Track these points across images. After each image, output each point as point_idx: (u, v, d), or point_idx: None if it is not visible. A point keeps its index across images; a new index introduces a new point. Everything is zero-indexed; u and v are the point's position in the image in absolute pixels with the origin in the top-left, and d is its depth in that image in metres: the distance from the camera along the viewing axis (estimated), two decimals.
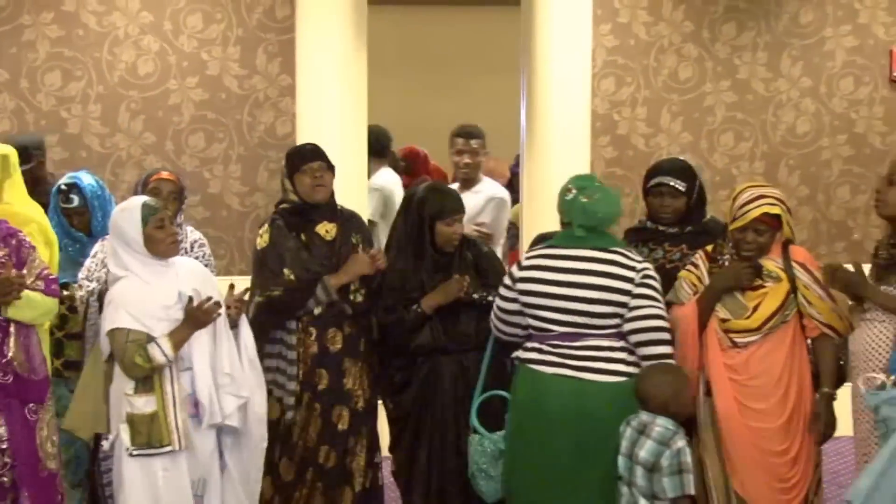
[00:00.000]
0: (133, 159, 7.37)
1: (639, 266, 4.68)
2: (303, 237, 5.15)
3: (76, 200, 5.57)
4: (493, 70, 12.26)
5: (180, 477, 4.70)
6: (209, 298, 4.62)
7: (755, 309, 4.75)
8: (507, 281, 4.79)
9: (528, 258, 4.83)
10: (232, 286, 4.86)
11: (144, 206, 4.71)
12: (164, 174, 5.61)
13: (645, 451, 4.42)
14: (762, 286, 4.78)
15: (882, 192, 4.74)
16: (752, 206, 4.74)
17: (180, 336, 4.59)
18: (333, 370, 5.14)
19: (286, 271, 5.06)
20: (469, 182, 7.54)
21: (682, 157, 5.95)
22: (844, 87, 8.19)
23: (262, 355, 4.99)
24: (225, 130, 7.48)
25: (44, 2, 7.30)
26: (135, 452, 4.60)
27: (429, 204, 5.22)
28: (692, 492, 4.44)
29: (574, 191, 4.72)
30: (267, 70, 7.50)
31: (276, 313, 5.08)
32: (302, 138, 7.03)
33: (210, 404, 4.72)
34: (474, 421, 4.91)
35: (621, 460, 4.51)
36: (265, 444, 4.93)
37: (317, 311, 5.09)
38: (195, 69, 7.41)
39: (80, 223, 5.56)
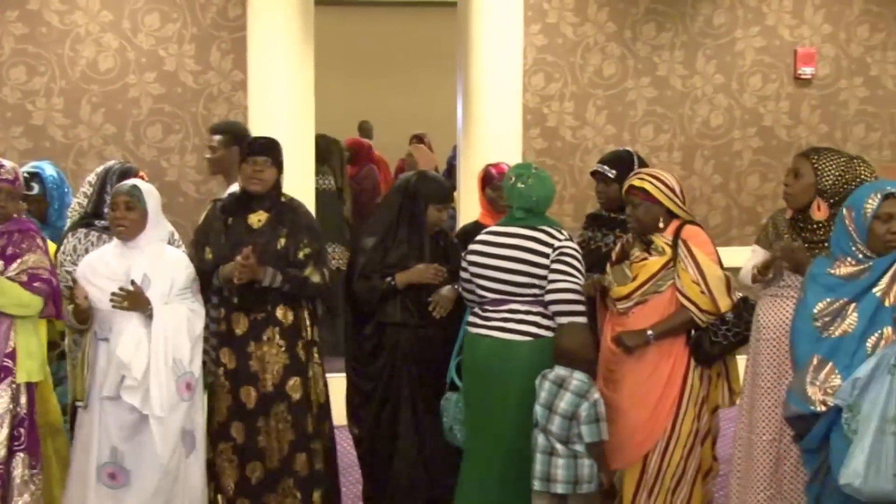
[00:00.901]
0: (94, 149, 7.35)
1: (557, 244, 4.85)
2: (230, 221, 5.09)
3: (36, 189, 5.53)
4: (432, 67, 12.29)
5: (91, 434, 4.74)
6: (144, 297, 4.64)
7: (635, 278, 4.82)
8: (463, 256, 5.04)
9: (476, 237, 5.05)
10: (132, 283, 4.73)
11: (113, 190, 4.88)
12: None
13: (565, 402, 4.62)
14: (646, 259, 4.84)
15: (790, 186, 4.76)
16: (626, 183, 4.89)
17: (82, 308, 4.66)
18: (238, 352, 5.04)
19: (207, 250, 5.04)
20: None
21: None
22: (753, 83, 8.34)
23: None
24: (181, 122, 7.49)
25: (9, 1, 7.27)
26: (77, 404, 4.76)
27: (424, 190, 5.26)
28: (606, 437, 4.65)
29: (513, 178, 4.95)
30: (220, 66, 7.50)
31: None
32: (253, 130, 6.93)
33: (121, 378, 4.69)
34: (453, 376, 5.05)
35: (539, 410, 4.69)
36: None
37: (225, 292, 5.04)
38: (153, 65, 7.42)
39: (37, 211, 5.51)
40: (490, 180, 5.65)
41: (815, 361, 3.99)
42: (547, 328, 4.84)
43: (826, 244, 4.55)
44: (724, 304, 4.71)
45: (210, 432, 5.08)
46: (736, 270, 4.83)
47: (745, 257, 4.95)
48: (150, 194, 4.89)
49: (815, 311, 4.05)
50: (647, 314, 4.77)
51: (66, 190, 5.67)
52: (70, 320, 4.76)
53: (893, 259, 3.97)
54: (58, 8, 7.34)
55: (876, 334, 3.90)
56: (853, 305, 3.99)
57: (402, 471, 5.22)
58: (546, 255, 4.85)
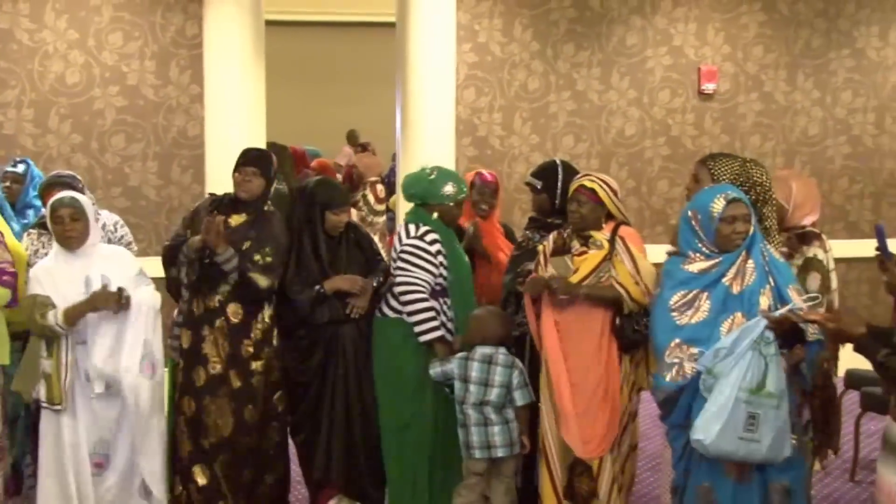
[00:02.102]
0: (62, 157, 7.32)
1: (405, 241, 5.14)
2: (214, 213, 5.04)
3: (21, 168, 5.64)
4: (373, 82, 12.32)
5: (76, 436, 4.75)
6: (110, 293, 4.62)
7: (577, 270, 4.83)
8: None
9: None
10: (120, 289, 4.70)
11: (51, 203, 4.77)
12: (49, 191, 5.34)
13: (499, 375, 4.87)
14: (586, 252, 4.86)
15: (691, 189, 4.77)
16: (575, 182, 4.90)
17: (74, 311, 4.60)
18: (194, 333, 5.06)
19: (189, 232, 5.08)
20: None
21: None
22: (662, 98, 8.40)
23: None
24: (143, 132, 7.46)
25: None
26: (43, 406, 4.72)
27: (320, 196, 5.24)
28: (533, 398, 4.88)
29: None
30: (179, 80, 7.49)
31: (165, 259, 5.15)
32: (209, 139, 7.17)
33: (98, 375, 4.71)
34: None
35: (473, 388, 4.88)
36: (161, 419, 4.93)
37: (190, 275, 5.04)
38: (116, 79, 7.41)
39: (10, 193, 5.56)
40: (473, 186, 5.69)
41: (673, 344, 4.04)
42: (394, 309, 5.16)
43: None
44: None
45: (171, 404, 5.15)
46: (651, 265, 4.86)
47: (656, 254, 4.94)
48: (87, 203, 4.85)
49: (672, 303, 4.09)
50: (588, 304, 4.79)
51: (33, 193, 5.71)
52: (55, 323, 4.63)
53: (738, 254, 4.05)
54: (28, 27, 7.32)
55: (728, 319, 3.98)
56: (705, 294, 4.04)
57: (335, 456, 5.24)
58: (395, 250, 5.20)
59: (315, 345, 5.22)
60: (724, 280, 4.05)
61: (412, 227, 5.19)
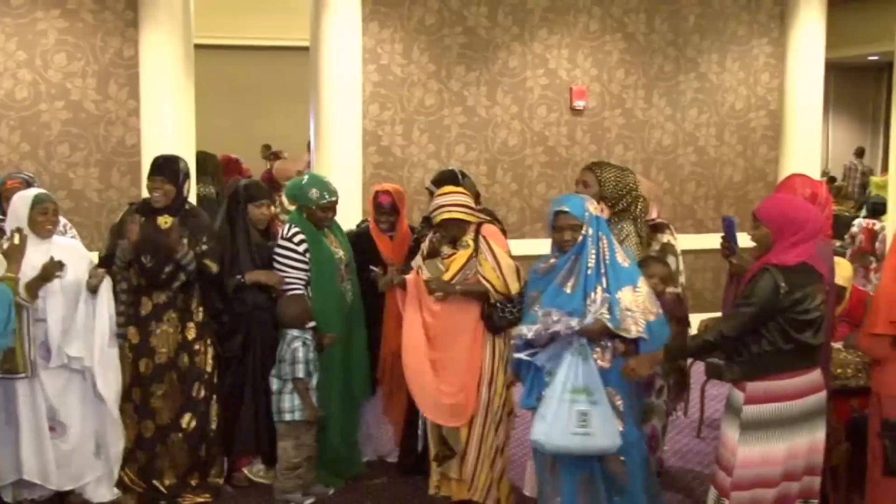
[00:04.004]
0: (12, 163, 7.14)
1: (279, 241, 5.24)
2: (143, 220, 5.07)
3: None
4: (290, 98, 12.26)
5: (34, 400, 4.77)
6: (55, 261, 4.63)
7: (447, 270, 4.85)
8: None
9: None
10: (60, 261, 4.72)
11: (35, 197, 4.78)
12: (10, 182, 5.40)
13: (301, 353, 5.04)
14: (454, 254, 4.86)
15: (579, 192, 4.80)
16: (437, 212, 4.84)
17: (33, 283, 4.60)
18: (142, 330, 5.05)
19: (120, 242, 5.02)
20: None
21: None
22: (540, 112, 8.49)
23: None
24: (85, 142, 7.40)
25: None
26: (1, 376, 4.72)
27: (243, 192, 5.34)
28: (302, 375, 5.01)
29: None
30: (117, 96, 7.42)
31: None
32: (145, 148, 7.14)
33: (58, 349, 4.75)
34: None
35: (289, 368, 5.05)
36: (117, 383, 4.96)
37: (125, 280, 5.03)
38: (61, 95, 7.33)
39: None
40: (373, 206, 5.66)
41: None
42: None
43: None
44: (514, 287, 4.77)
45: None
46: (531, 258, 4.65)
47: (536, 248, 4.99)
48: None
49: (527, 300, 4.24)
50: (459, 300, 4.83)
51: None
52: (19, 296, 4.60)
53: (568, 258, 4.05)
54: None
55: (576, 319, 3.98)
56: (539, 292, 4.12)
57: (250, 422, 5.29)
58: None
59: (237, 327, 5.24)
60: (556, 280, 4.05)
61: (285, 228, 5.26)
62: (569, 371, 3.90)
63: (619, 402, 4.00)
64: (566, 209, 4.07)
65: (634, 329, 3.98)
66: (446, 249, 4.91)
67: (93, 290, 4.85)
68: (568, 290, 4.03)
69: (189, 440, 5.14)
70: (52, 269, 4.64)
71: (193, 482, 5.19)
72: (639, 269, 4.27)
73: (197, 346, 5.14)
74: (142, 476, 5.15)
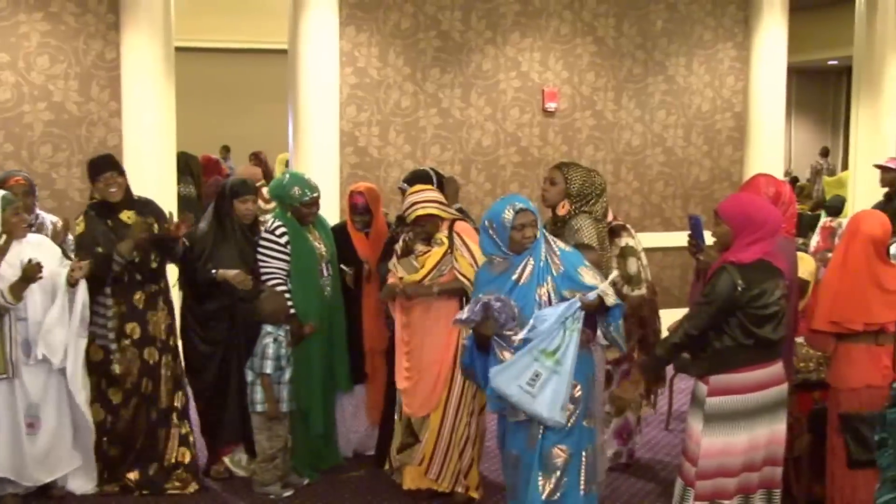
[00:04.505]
0: None
1: (262, 234, 5.28)
2: (109, 223, 5.07)
3: None
4: (269, 100, 12.30)
5: (13, 399, 4.77)
6: (35, 263, 4.60)
7: (423, 266, 4.85)
8: None
9: None
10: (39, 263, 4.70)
11: (4, 198, 4.73)
12: (14, 179, 5.34)
13: (271, 349, 5.07)
14: (429, 251, 4.86)
15: (547, 191, 4.87)
16: (411, 209, 4.84)
17: (17, 286, 4.60)
18: (141, 322, 5.08)
19: (100, 249, 4.96)
20: None
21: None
22: (513, 114, 8.47)
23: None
24: (68, 142, 7.35)
25: None
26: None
27: (230, 189, 5.35)
28: (269, 371, 5.05)
29: None
30: (99, 98, 7.37)
31: (92, 279, 4.97)
32: (127, 149, 7.12)
33: (37, 347, 4.74)
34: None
35: (258, 363, 5.09)
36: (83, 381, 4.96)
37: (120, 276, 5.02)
38: (44, 97, 7.27)
39: None
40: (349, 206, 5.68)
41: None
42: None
43: (561, 234, 4.69)
44: None
45: (116, 396, 5.11)
46: None
47: None
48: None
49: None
50: (441, 297, 4.83)
51: None
52: (2, 299, 4.62)
53: (525, 257, 3.98)
54: None
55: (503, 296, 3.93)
56: (499, 288, 3.98)
57: (235, 411, 5.29)
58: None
59: (221, 320, 5.25)
60: (512, 277, 3.98)
61: (269, 222, 5.31)
62: (553, 335, 3.81)
63: (577, 393, 3.95)
64: (525, 206, 4.02)
65: (612, 299, 3.95)
66: (420, 247, 4.92)
67: (74, 283, 4.80)
68: (521, 284, 3.97)
69: (180, 420, 5.20)
70: (34, 271, 4.61)
71: (185, 461, 5.23)
72: None
73: (178, 326, 5.26)
74: (142, 466, 5.17)
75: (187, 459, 5.25)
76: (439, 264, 4.85)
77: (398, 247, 5.02)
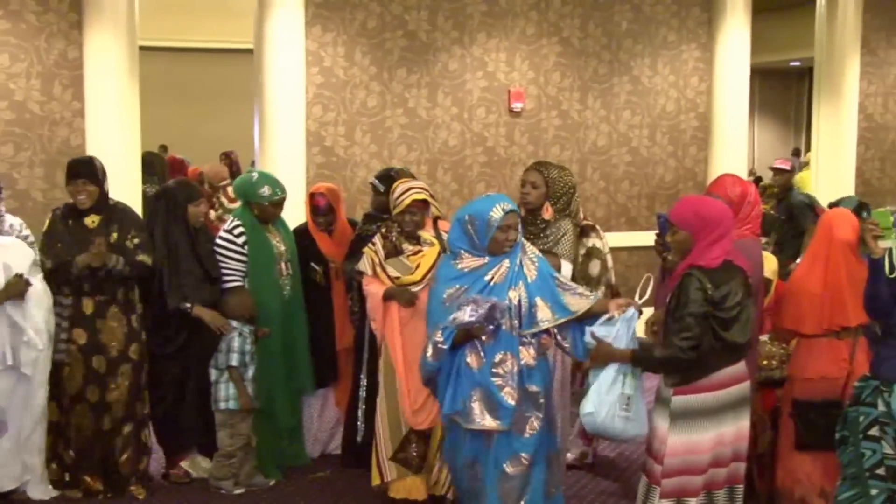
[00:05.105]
0: None
1: (220, 233, 5.25)
2: (70, 222, 5.06)
3: None
4: (235, 100, 12.26)
5: None
6: (22, 279, 4.60)
7: (418, 267, 4.78)
8: None
9: None
10: (27, 279, 4.78)
11: None
12: None
13: (236, 343, 5.11)
14: (421, 251, 4.80)
15: (529, 194, 4.84)
16: (405, 195, 4.76)
17: None
18: (89, 329, 5.01)
19: (58, 246, 4.98)
20: None
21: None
22: (479, 114, 8.48)
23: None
24: (30, 142, 7.25)
25: None
26: None
27: (181, 193, 5.28)
28: (235, 363, 5.07)
29: None
30: (62, 97, 7.28)
31: (50, 280, 4.98)
32: (90, 149, 7.00)
33: (10, 351, 4.72)
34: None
35: (224, 357, 5.12)
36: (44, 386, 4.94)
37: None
38: (5, 96, 7.16)
39: None
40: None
41: (438, 328, 3.92)
42: None
43: (543, 236, 4.70)
44: None
45: (64, 399, 5.04)
46: None
47: None
48: None
49: (444, 296, 3.97)
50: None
51: None
52: None
53: (501, 258, 3.93)
54: None
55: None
56: (466, 289, 3.93)
57: (193, 416, 5.27)
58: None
59: (181, 327, 5.21)
60: (485, 278, 3.92)
61: (228, 221, 5.30)
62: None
63: (541, 400, 3.91)
64: (514, 209, 3.98)
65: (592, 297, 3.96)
66: (408, 246, 4.83)
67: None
68: (493, 284, 3.91)
69: (137, 429, 5.13)
70: (19, 288, 4.69)
71: (142, 468, 5.19)
72: None
73: (143, 337, 5.15)
74: (99, 471, 5.12)
75: (142, 467, 5.20)
76: (435, 265, 4.72)
77: (380, 246, 4.89)
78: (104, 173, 5.16)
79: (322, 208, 5.61)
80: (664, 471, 3.78)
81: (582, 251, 5.13)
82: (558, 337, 3.97)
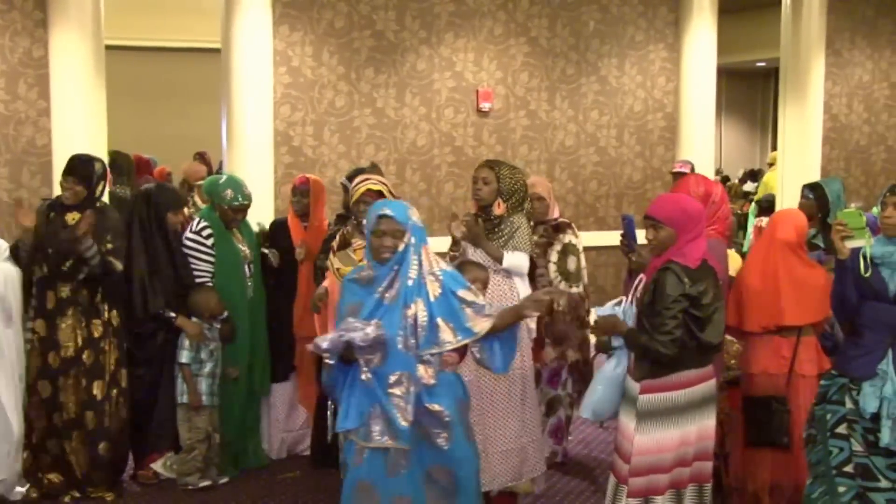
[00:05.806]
0: None
1: (187, 234, 5.25)
2: (52, 214, 5.06)
3: None
4: (202, 99, 12.14)
5: None
6: None
7: (361, 261, 4.59)
8: None
9: None
10: None
11: None
12: None
13: (208, 342, 5.20)
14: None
15: (482, 190, 4.78)
16: (360, 185, 4.75)
17: None
18: (49, 323, 4.99)
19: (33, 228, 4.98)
20: None
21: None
22: (448, 114, 8.52)
23: None
24: None
25: None
26: None
27: (162, 200, 5.24)
28: (184, 361, 5.14)
29: None
30: (27, 96, 7.24)
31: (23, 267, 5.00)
32: (56, 148, 7.01)
33: None
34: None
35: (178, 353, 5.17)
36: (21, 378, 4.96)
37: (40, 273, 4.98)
38: None
39: None
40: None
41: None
42: None
43: (498, 231, 4.68)
44: None
45: (27, 390, 5.02)
46: (438, 255, 3.95)
47: (442, 245, 4.85)
48: None
49: (345, 310, 3.66)
50: None
51: None
52: None
53: (390, 269, 3.58)
54: None
55: (374, 321, 3.51)
56: (361, 302, 3.63)
57: (164, 418, 5.25)
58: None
59: (157, 330, 5.22)
60: (376, 292, 3.59)
61: (195, 222, 5.28)
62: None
63: (446, 418, 3.59)
64: (390, 213, 3.58)
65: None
66: (357, 240, 4.81)
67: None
68: (387, 303, 3.59)
69: (89, 438, 5.03)
70: None
71: (96, 478, 5.10)
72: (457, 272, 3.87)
73: (102, 345, 5.05)
74: (53, 468, 5.07)
75: (95, 476, 5.10)
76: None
77: (338, 239, 4.95)
78: (100, 177, 5.12)
79: (299, 187, 5.67)
80: (632, 469, 3.79)
81: (558, 248, 5.17)
82: (472, 349, 3.75)
